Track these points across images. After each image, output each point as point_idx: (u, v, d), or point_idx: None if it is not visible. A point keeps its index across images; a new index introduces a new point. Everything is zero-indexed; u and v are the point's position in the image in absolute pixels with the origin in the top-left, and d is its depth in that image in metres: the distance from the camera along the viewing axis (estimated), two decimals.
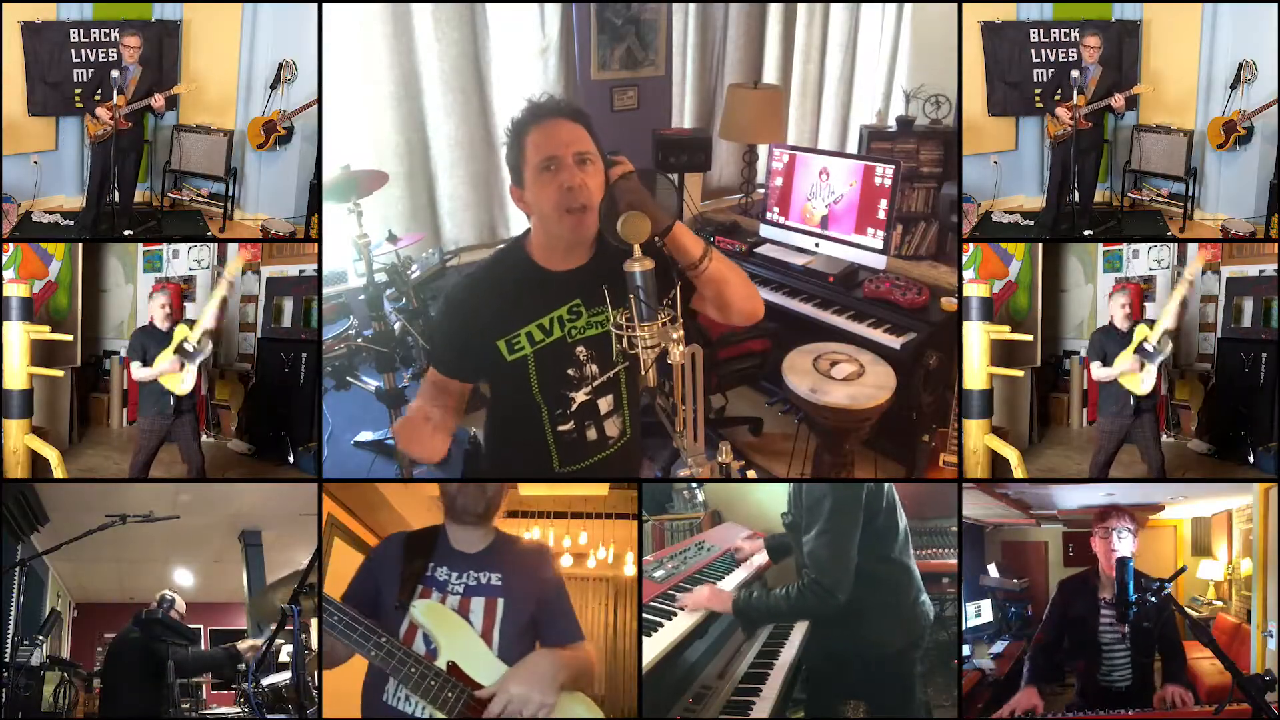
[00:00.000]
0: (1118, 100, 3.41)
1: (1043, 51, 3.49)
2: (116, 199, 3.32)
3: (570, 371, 2.07)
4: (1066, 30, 3.48)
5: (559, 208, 1.92)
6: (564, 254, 2.04)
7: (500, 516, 2.11)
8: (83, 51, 3.27)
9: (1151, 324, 3.13)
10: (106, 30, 3.27)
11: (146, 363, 3.16)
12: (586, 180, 1.91)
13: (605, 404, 2.13)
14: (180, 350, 3.13)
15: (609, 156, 1.98)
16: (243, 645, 3.29)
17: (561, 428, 2.12)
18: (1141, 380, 3.08)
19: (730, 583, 2.72)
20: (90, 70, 3.28)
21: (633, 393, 2.18)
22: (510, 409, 2.17)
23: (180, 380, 3.13)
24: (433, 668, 1.89)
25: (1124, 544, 2.63)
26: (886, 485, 2.33)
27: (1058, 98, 3.48)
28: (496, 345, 2.05)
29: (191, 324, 3.18)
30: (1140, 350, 3.09)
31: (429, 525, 2.12)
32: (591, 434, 2.15)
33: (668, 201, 1.82)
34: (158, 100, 3.25)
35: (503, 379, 2.11)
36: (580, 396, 2.07)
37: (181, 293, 3.63)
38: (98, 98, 3.25)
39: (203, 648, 3.61)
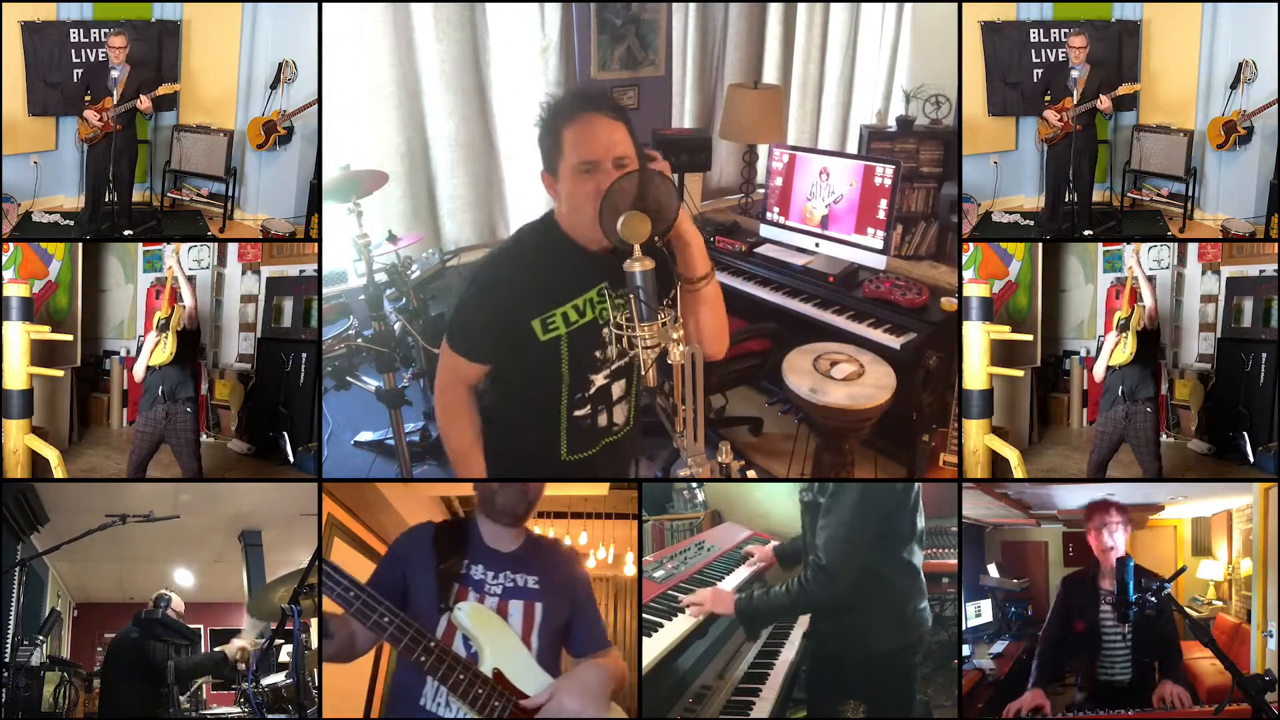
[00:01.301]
0: (1104, 101, 3.40)
1: (1043, 51, 3.50)
2: (113, 199, 3.31)
3: (597, 354, 2.08)
4: (1066, 30, 3.48)
5: (597, 209, 1.89)
6: (596, 239, 1.98)
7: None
8: (83, 51, 3.27)
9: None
10: (107, 30, 3.27)
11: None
12: None
13: (618, 389, 2.15)
14: (156, 327, 3.19)
15: (644, 152, 1.95)
16: (230, 647, 3.28)
17: (578, 412, 2.13)
18: (1123, 348, 3.10)
19: (731, 582, 2.72)
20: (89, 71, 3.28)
21: (638, 380, 2.18)
22: (526, 393, 2.15)
23: (161, 350, 3.15)
24: (480, 674, 1.83)
25: (1117, 538, 2.63)
26: (915, 485, 2.33)
27: (1047, 99, 3.47)
28: (530, 325, 2.02)
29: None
30: (1116, 327, 3.13)
31: (458, 517, 2.08)
32: (603, 419, 2.17)
33: (669, 202, 1.81)
34: (144, 102, 3.24)
35: (528, 360, 2.07)
36: (599, 379, 2.09)
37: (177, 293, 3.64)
38: (87, 98, 3.24)
39: (201, 648, 3.61)
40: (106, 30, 3.26)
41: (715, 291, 2.01)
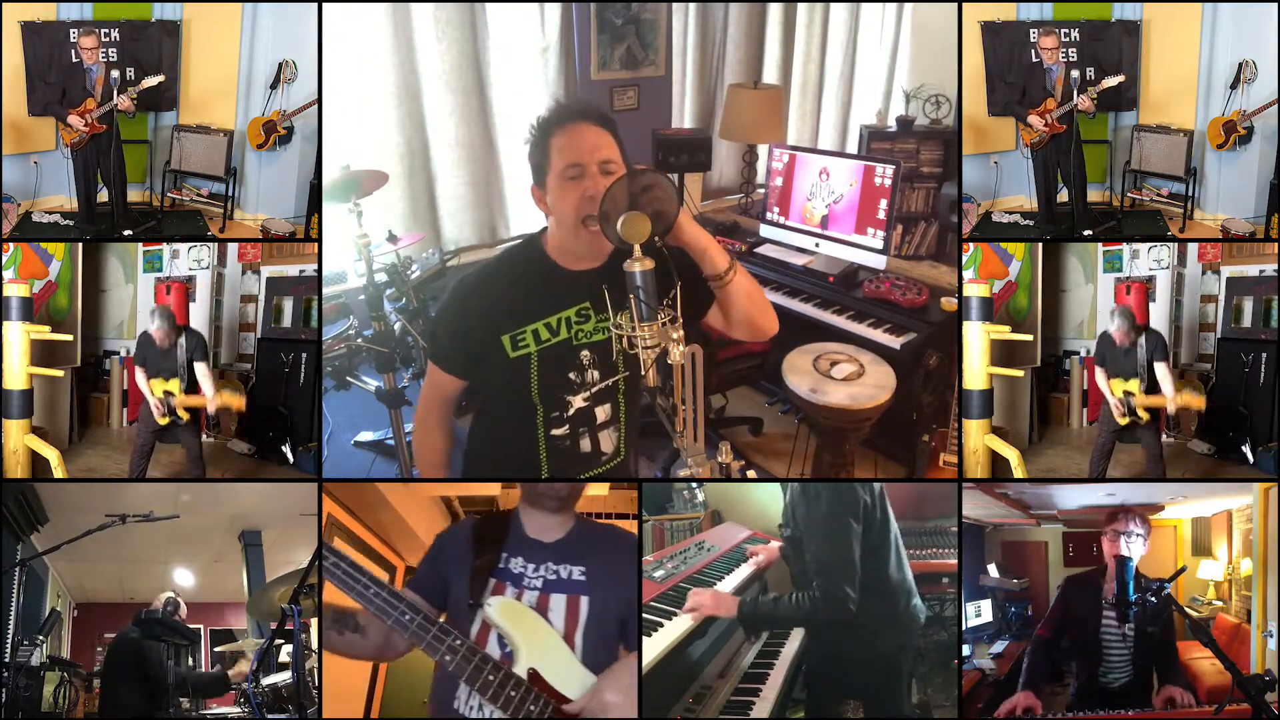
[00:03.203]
0: (1084, 101, 3.38)
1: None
2: (105, 199, 3.30)
3: (571, 375, 2.05)
4: (1066, 30, 3.48)
5: (579, 217, 1.90)
6: (579, 256, 2.02)
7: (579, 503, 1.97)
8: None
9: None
10: (106, 30, 3.27)
11: (147, 370, 3.19)
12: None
13: (602, 413, 2.10)
14: (166, 407, 3.17)
15: (634, 167, 1.94)
16: (235, 672, 3.30)
17: (555, 431, 2.09)
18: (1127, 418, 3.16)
19: (731, 582, 2.72)
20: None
21: (632, 411, 2.15)
22: (504, 410, 2.13)
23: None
24: (513, 676, 1.71)
25: (1134, 547, 2.62)
26: (879, 492, 2.31)
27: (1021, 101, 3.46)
28: (500, 340, 2.01)
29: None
30: (1127, 407, 3.16)
31: (501, 510, 1.97)
32: (585, 444, 2.11)
33: (668, 204, 1.81)
34: (123, 102, 3.21)
35: (501, 377, 2.06)
36: (578, 401, 2.05)
37: (186, 290, 3.64)
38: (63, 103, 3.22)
39: (201, 649, 3.61)
40: (107, 30, 3.26)
41: (745, 280, 1.99)
